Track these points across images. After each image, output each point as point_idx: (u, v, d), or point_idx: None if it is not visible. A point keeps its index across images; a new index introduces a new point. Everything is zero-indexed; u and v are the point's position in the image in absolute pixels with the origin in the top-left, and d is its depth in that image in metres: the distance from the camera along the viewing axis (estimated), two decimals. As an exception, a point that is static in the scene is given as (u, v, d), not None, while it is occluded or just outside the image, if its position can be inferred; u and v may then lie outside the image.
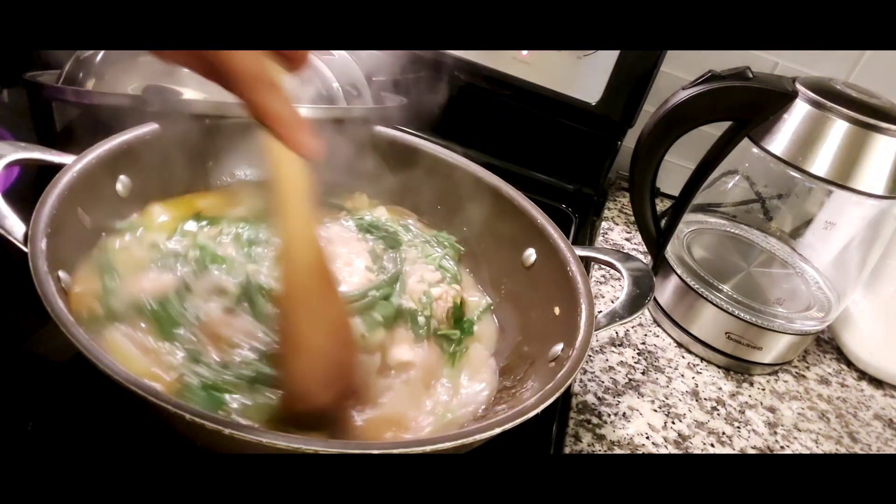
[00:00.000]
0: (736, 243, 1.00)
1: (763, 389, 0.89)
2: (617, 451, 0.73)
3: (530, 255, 0.81)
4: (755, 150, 0.84)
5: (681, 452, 0.76)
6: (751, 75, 0.82)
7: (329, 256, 0.59)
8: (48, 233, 0.57)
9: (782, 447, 0.81)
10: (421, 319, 0.71)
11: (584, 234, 1.10)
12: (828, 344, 1.03)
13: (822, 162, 0.78)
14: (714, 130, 0.87)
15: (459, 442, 0.50)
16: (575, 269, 0.73)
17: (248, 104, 0.48)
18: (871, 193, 0.78)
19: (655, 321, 0.96)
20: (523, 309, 0.80)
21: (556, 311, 0.73)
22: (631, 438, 0.75)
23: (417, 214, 0.89)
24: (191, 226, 0.74)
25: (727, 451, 0.78)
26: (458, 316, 0.75)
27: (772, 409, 0.86)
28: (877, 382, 0.97)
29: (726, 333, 0.89)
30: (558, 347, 0.68)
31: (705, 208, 1.00)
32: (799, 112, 0.80)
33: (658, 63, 1.05)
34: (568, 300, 0.71)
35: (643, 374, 0.85)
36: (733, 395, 0.87)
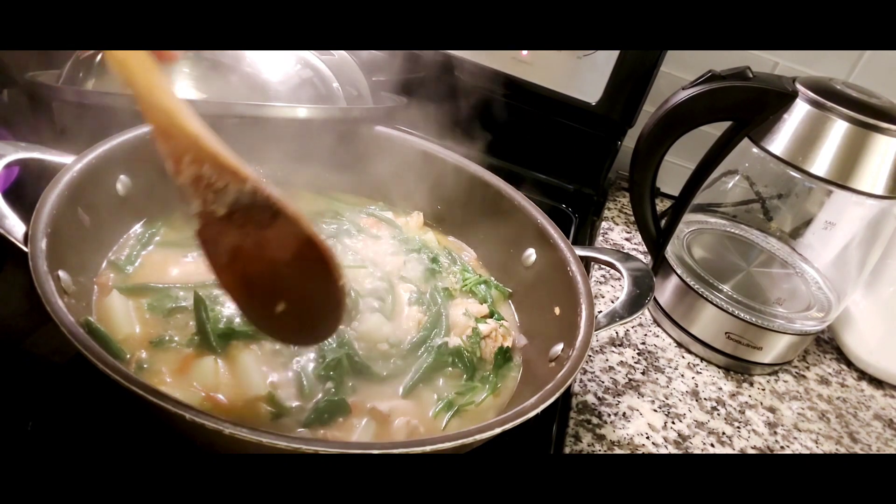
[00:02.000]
0: (736, 243, 1.00)
1: (763, 389, 0.89)
2: (617, 451, 0.73)
3: (530, 255, 0.81)
4: (755, 150, 0.83)
5: (681, 452, 0.76)
6: (751, 75, 0.82)
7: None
8: (48, 233, 0.57)
9: (782, 447, 0.81)
10: (467, 359, 0.70)
11: (584, 234, 1.10)
12: (828, 344, 1.03)
13: (822, 162, 0.78)
14: (714, 130, 0.87)
15: (459, 442, 0.50)
16: (575, 269, 0.73)
17: None
18: (871, 193, 0.78)
19: (655, 321, 0.96)
20: (523, 309, 0.80)
21: (556, 311, 0.73)
22: (631, 438, 0.75)
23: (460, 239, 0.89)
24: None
25: (727, 451, 0.78)
26: (502, 359, 0.72)
27: (772, 409, 0.86)
28: (877, 382, 0.97)
29: (726, 333, 0.89)
30: (558, 347, 0.69)
31: (705, 208, 1.00)
32: (799, 112, 0.80)
33: (658, 63, 1.05)
34: (568, 300, 0.71)
35: (643, 374, 0.85)
36: (733, 395, 0.87)
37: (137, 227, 0.73)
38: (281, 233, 0.53)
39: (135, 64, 0.49)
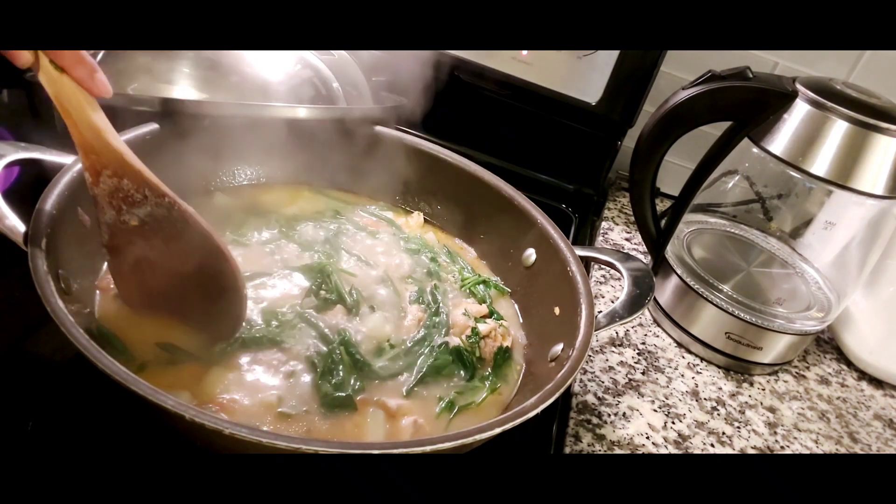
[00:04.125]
0: (736, 243, 1.00)
1: (763, 389, 0.89)
2: (617, 451, 0.73)
3: (530, 255, 0.81)
4: (755, 150, 0.83)
5: (681, 452, 0.76)
6: (751, 75, 0.82)
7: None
8: (48, 233, 0.57)
9: (782, 447, 0.81)
10: (467, 359, 0.70)
11: (584, 234, 1.10)
12: (828, 344, 1.03)
13: (822, 162, 0.78)
14: (714, 130, 0.87)
15: (459, 442, 0.50)
16: (575, 269, 0.73)
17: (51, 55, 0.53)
18: (871, 193, 0.78)
19: (655, 321, 0.96)
20: (523, 309, 0.80)
21: (556, 311, 0.73)
22: (631, 438, 0.75)
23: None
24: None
25: (727, 451, 0.78)
26: (502, 359, 0.72)
27: (772, 409, 0.86)
28: (877, 382, 0.97)
29: (726, 333, 0.89)
30: (558, 347, 0.69)
31: (705, 208, 1.00)
32: (799, 112, 0.80)
33: (658, 63, 1.05)
34: (568, 300, 0.71)
35: (643, 374, 0.85)
36: (733, 395, 0.87)
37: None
38: (190, 245, 0.60)
39: (67, 85, 0.54)
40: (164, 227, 0.60)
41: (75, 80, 0.54)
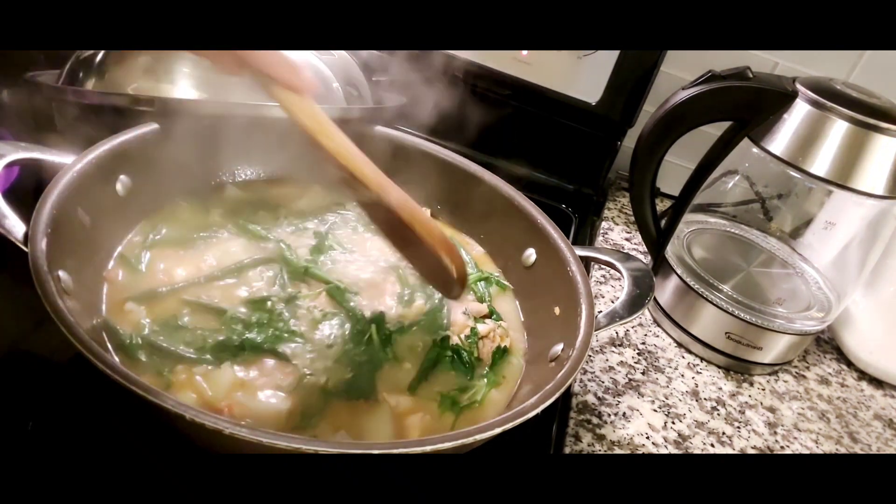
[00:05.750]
0: (736, 243, 1.00)
1: (763, 389, 0.89)
2: (617, 451, 0.73)
3: (530, 255, 0.81)
4: (755, 150, 0.83)
5: (681, 452, 0.76)
6: (751, 75, 0.82)
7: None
8: (48, 233, 0.57)
9: (782, 447, 0.81)
10: (465, 358, 0.70)
11: (584, 234, 1.10)
12: (828, 344, 1.03)
13: (822, 162, 0.78)
14: (714, 130, 0.87)
15: (459, 442, 0.50)
16: (575, 269, 0.73)
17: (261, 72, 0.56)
18: (871, 193, 0.78)
19: (655, 321, 0.96)
20: (524, 308, 0.80)
21: (556, 311, 0.73)
22: (631, 438, 0.75)
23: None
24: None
25: (727, 451, 0.78)
26: (500, 358, 0.72)
27: (772, 409, 0.86)
28: (877, 382, 0.97)
29: (726, 333, 0.89)
30: (558, 347, 0.69)
31: (705, 208, 1.00)
32: (799, 112, 0.80)
33: (658, 63, 1.05)
34: (568, 300, 0.71)
35: (643, 374, 0.85)
36: (733, 395, 0.87)
37: (140, 226, 0.73)
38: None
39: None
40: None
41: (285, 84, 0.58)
